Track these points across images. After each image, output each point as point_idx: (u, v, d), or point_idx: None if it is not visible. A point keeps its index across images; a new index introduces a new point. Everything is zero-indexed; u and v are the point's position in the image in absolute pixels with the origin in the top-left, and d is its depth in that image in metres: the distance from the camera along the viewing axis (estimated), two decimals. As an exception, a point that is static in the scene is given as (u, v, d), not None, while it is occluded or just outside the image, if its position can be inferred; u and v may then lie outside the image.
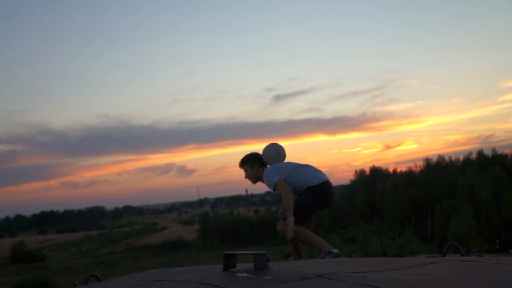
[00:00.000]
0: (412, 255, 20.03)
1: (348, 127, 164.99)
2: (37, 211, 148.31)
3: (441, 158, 71.42)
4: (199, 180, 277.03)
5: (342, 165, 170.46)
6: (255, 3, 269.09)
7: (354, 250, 40.21)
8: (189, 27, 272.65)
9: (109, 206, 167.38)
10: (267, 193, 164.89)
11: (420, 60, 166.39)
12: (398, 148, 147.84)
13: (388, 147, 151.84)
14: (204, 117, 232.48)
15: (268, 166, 4.16)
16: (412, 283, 1.85)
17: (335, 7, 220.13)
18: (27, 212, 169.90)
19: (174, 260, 53.86)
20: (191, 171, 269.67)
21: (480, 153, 68.21)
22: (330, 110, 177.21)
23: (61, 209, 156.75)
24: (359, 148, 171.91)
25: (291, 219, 3.74)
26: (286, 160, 4.22)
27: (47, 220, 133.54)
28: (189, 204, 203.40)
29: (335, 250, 3.67)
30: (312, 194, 3.90)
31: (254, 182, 4.21)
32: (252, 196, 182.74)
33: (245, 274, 2.19)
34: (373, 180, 75.82)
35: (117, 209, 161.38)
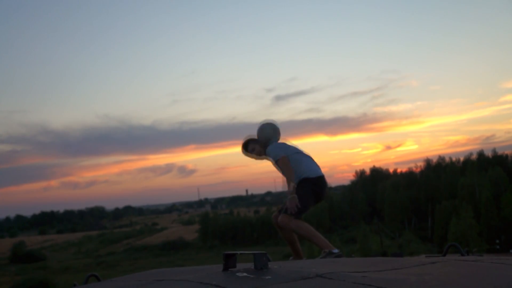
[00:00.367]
0: (412, 255, 20.03)
1: (349, 128, 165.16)
2: (37, 211, 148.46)
3: (441, 158, 71.55)
4: (199, 181, 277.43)
5: (342, 166, 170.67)
6: (255, 3, 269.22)
7: (354, 250, 40.22)
8: (189, 27, 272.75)
9: (109, 206, 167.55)
10: (268, 193, 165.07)
11: (420, 61, 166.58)
12: (398, 149, 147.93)
13: (388, 147, 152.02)
14: (204, 117, 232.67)
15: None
16: (412, 283, 1.85)
17: (335, 7, 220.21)
18: (27, 212, 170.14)
19: (174, 260, 53.89)
20: (192, 172, 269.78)
21: (481, 154, 68.27)
22: (330, 111, 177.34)
23: (61, 209, 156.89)
24: (360, 149, 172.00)
25: (294, 196, 3.77)
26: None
27: (47, 220, 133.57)
28: (189, 205, 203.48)
29: (336, 250, 3.66)
30: (310, 187, 3.93)
31: (257, 158, 4.32)
32: (252, 196, 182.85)
33: (245, 274, 2.19)
34: (373, 181, 75.84)
35: (117, 209, 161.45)
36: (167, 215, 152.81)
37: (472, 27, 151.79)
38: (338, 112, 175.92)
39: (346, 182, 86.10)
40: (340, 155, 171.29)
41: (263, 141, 4.24)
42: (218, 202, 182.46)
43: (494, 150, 68.65)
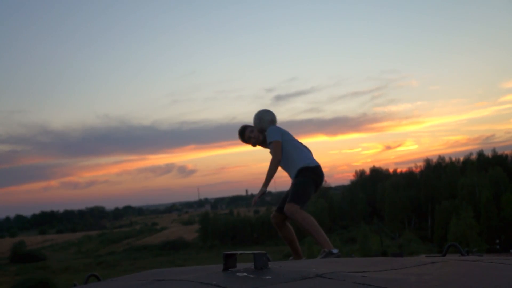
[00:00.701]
0: (412, 255, 20.02)
1: (349, 128, 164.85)
2: (37, 211, 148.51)
3: (441, 158, 71.52)
4: (199, 181, 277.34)
5: (342, 166, 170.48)
6: (255, 3, 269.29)
7: (354, 250, 40.22)
8: (189, 27, 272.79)
9: (109, 206, 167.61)
10: (268, 193, 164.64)
11: (420, 60, 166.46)
12: (398, 149, 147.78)
13: (388, 147, 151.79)
14: (204, 118, 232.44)
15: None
16: (412, 283, 1.85)
17: (335, 7, 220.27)
18: (27, 212, 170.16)
19: (174, 260, 53.90)
20: (191, 172, 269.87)
21: (481, 154, 68.27)
22: (330, 111, 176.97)
23: (61, 209, 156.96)
24: (360, 149, 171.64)
25: (263, 189, 3.93)
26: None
27: (47, 220, 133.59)
28: (189, 205, 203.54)
29: (335, 251, 3.64)
30: (311, 177, 3.95)
31: (255, 145, 4.33)
32: (252, 196, 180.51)
33: (245, 274, 2.19)
34: (373, 181, 75.84)
35: (117, 209, 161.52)
36: (167, 215, 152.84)
37: (472, 27, 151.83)
38: (338, 112, 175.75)
39: (346, 182, 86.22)
40: (340, 155, 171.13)
41: (259, 129, 4.25)
42: (218, 202, 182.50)
43: (494, 150, 68.72)
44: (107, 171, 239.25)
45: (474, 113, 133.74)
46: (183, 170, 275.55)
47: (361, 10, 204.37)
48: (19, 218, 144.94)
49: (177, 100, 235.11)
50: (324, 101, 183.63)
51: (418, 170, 72.30)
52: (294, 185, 3.93)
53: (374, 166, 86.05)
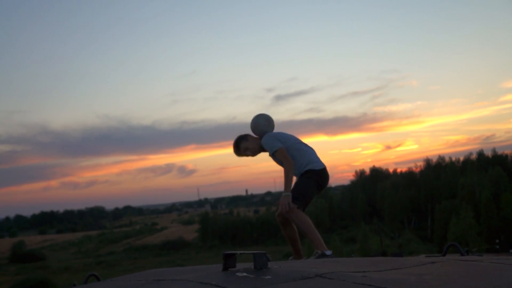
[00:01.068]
0: (412, 255, 20.03)
1: (349, 128, 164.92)
2: (37, 211, 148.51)
3: (441, 158, 71.52)
4: (199, 181, 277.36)
5: (342, 166, 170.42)
6: (255, 3, 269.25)
7: (354, 250, 40.24)
8: (189, 27, 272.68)
9: (109, 206, 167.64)
10: (267, 193, 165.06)
11: (420, 60, 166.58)
12: (398, 149, 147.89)
13: (388, 147, 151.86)
14: (204, 117, 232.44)
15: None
16: (412, 283, 1.85)
17: (336, 7, 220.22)
18: (27, 212, 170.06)
19: (174, 260, 53.89)
20: (191, 172, 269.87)
21: (480, 154, 68.30)
22: (330, 111, 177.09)
23: (61, 209, 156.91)
24: (360, 149, 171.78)
25: (288, 194, 3.72)
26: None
27: (47, 220, 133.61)
28: (189, 204, 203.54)
29: (329, 252, 3.62)
30: (314, 179, 3.89)
31: (254, 154, 4.18)
32: (252, 196, 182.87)
33: (245, 274, 2.19)
34: (373, 181, 75.82)
35: (117, 209, 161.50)
36: (167, 215, 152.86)
37: (472, 27, 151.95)
38: (338, 112, 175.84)
39: (346, 182, 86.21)
40: (340, 155, 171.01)
41: (258, 135, 4.12)
42: (218, 202, 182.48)
43: (494, 150, 68.75)
44: (107, 171, 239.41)
45: (474, 113, 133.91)
46: (183, 170, 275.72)
47: (361, 10, 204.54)
48: (19, 218, 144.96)
49: (177, 100, 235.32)
50: (324, 101, 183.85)
51: (418, 170, 72.36)
52: (295, 184, 3.92)
53: (374, 166, 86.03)
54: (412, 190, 65.05)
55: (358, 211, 70.01)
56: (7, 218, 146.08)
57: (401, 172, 77.07)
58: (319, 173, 3.93)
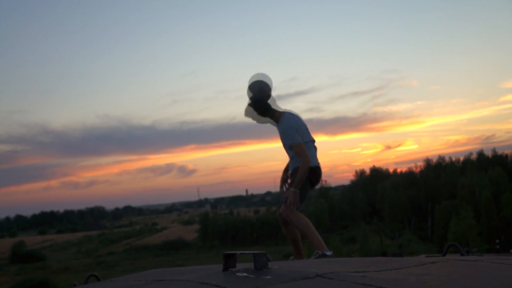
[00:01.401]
0: (412, 255, 20.01)
1: (349, 128, 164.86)
2: (37, 211, 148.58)
3: (441, 158, 71.60)
4: (199, 180, 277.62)
5: (342, 166, 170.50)
6: (256, 4, 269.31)
7: (354, 250, 40.21)
8: (189, 27, 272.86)
9: (109, 206, 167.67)
10: (267, 193, 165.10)
11: (420, 60, 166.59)
12: (398, 149, 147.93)
13: (388, 147, 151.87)
14: (204, 117, 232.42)
15: (286, 117, 3.98)
16: (412, 283, 1.85)
17: (336, 7, 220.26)
18: (27, 212, 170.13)
19: (174, 260, 53.89)
20: (191, 172, 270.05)
21: (480, 154, 68.33)
22: (330, 111, 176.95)
23: (61, 209, 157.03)
24: (360, 149, 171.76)
25: (296, 191, 3.75)
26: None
27: (47, 220, 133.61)
28: (189, 204, 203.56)
29: (329, 253, 3.63)
30: (308, 177, 3.91)
31: (258, 122, 4.13)
32: (252, 196, 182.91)
33: (245, 274, 2.19)
34: (373, 181, 75.84)
35: (117, 209, 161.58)
36: (167, 215, 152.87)
37: (472, 27, 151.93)
38: (338, 112, 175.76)
39: (346, 182, 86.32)
40: (340, 155, 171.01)
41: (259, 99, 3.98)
42: (218, 202, 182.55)
43: (494, 150, 68.78)
44: (107, 171, 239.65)
45: (474, 113, 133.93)
46: (183, 170, 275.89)
47: (361, 10, 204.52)
48: (19, 218, 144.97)
49: (177, 100, 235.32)
50: (324, 101, 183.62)
51: (418, 170, 72.42)
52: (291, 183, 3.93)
53: (374, 166, 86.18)
54: (412, 190, 65.05)
55: (358, 211, 70.02)
56: (7, 218, 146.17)
57: (401, 172, 77.20)
58: (312, 171, 3.94)
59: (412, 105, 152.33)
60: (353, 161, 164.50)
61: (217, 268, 2.57)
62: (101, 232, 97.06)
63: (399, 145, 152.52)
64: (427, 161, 71.51)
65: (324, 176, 4.52)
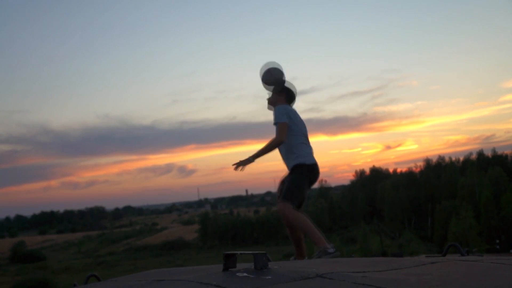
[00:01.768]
0: (412, 255, 20.01)
1: (349, 128, 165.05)
2: (37, 211, 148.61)
3: (441, 158, 71.60)
4: (199, 180, 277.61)
5: (342, 166, 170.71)
6: (255, 3, 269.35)
7: (354, 250, 40.22)
8: (189, 27, 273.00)
9: (109, 206, 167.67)
10: (267, 193, 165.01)
11: (420, 60, 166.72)
12: (398, 149, 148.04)
13: (388, 147, 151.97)
14: (204, 117, 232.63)
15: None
16: (412, 283, 1.85)
17: (336, 7, 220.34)
18: (27, 212, 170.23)
19: (174, 260, 53.90)
20: (191, 171, 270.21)
21: (480, 154, 68.31)
22: (330, 110, 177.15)
23: (61, 209, 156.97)
24: (360, 149, 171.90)
25: (250, 160, 3.73)
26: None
27: (47, 220, 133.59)
28: (189, 205, 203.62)
29: (331, 250, 3.56)
30: (306, 174, 3.86)
31: (269, 107, 4.17)
32: (252, 196, 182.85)
33: (245, 274, 2.19)
34: (373, 180, 75.84)
35: (117, 209, 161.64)
36: (167, 215, 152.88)
37: (472, 27, 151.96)
38: (338, 112, 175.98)
39: (346, 182, 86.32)
40: (340, 155, 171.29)
41: (273, 85, 4.09)
42: (218, 202, 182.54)
43: (494, 150, 68.78)
44: (107, 171, 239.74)
45: (474, 113, 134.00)
46: (183, 170, 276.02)
47: (361, 10, 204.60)
48: (19, 218, 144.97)
49: (177, 100, 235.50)
50: (324, 101, 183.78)
51: (418, 170, 72.41)
52: (288, 181, 3.89)
53: (374, 166, 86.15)
54: (412, 190, 65.04)
55: (358, 211, 70.02)
56: (7, 218, 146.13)
57: (401, 172, 77.17)
58: (310, 168, 3.89)
59: (412, 105, 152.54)
60: (353, 161, 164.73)
61: (217, 268, 2.57)
62: (101, 232, 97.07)
63: (399, 145, 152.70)
64: (427, 161, 71.58)
65: (324, 176, 4.42)
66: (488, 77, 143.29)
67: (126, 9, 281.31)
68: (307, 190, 3.97)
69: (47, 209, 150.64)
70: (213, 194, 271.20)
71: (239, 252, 2.44)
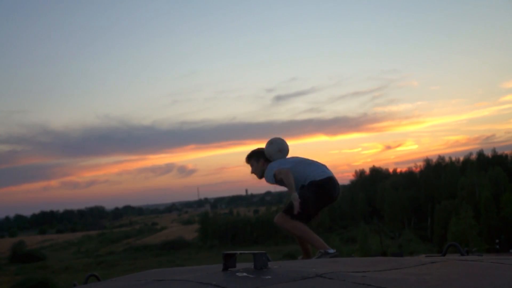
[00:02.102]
0: (412, 255, 20.01)
1: (349, 128, 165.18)
2: (37, 211, 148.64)
3: (441, 158, 71.57)
4: (199, 180, 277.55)
5: (342, 166, 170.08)
6: (256, 4, 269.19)
7: (354, 250, 40.21)
8: (189, 27, 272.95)
9: (109, 206, 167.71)
10: (267, 193, 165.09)
11: (420, 61, 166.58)
12: (398, 149, 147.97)
13: (388, 147, 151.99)
14: (204, 118, 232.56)
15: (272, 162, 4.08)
16: (412, 283, 1.85)
17: (336, 7, 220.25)
18: (27, 212, 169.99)
19: (174, 260, 53.87)
20: (191, 171, 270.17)
21: (480, 154, 68.32)
22: (330, 111, 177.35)
23: (61, 209, 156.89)
24: (360, 149, 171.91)
25: (295, 195, 3.64)
26: (290, 155, 4.15)
27: (47, 220, 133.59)
28: (189, 204, 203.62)
29: (332, 251, 3.58)
30: (313, 189, 3.78)
31: (260, 177, 4.16)
32: (252, 196, 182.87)
33: (245, 274, 2.19)
34: (373, 180, 75.87)
35: (117, 209, 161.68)
36: (167, 215, 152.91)
37: (472, 27, 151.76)
38: (338, 112, 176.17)
39: (346, 182, 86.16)
40: (340, 155, 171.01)
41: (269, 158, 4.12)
42: (218, 202, 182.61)
43: (494, 150, 68.80)
44: (107, 171, 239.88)
45: (474, 113, 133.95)
46: (183, 170, 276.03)
47: (361, 10, 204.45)
48: (19, 218, 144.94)
49: (177, 100, 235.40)
50: (324, 101, 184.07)
51: (418, 170, 72.43)
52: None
53: (374, 166, 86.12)
54: (412, 190, 65.05)
55: (358, 211, 70.02)
56: (7, 218, 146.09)
57: (401, 172, 77.19)
58: (319, 183, 3.80)
59: (412, 105, 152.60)
60: (353, 161, 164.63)
61: (217, 268, 2.57)
62: (101, 232, 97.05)
63: (399, 145, 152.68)
64: (427, 161, 71.56)
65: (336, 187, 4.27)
66: (488, 77, 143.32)
67: (126, 9, 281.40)
68: (320, 205, 3.89)
69: (47, 208, 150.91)
70: (213, 194, 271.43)
71: (238, 251, 2.44)
